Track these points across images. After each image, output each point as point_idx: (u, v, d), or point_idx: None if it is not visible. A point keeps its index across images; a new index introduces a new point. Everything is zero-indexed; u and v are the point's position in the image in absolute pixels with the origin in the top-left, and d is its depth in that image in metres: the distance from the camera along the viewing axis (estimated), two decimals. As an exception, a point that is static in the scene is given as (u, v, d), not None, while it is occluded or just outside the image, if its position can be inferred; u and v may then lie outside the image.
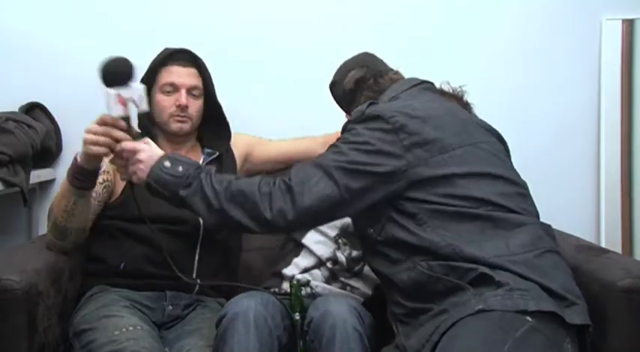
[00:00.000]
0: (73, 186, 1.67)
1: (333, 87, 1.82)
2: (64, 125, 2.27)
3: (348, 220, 1.84)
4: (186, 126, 1.91)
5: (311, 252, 1.88)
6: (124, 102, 1.51)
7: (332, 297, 1.67)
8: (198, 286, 1.79)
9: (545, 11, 2.32)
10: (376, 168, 1.47)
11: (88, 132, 1.57)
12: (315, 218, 1.52)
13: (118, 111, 1.51)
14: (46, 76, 2.27)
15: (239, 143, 2.07)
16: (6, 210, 1.85)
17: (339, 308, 1.56)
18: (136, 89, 1.52)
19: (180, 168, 1.50)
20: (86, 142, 1.57)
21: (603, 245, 2.22)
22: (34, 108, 2.22)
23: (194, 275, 1.82)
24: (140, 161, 1.52)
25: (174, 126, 1.91)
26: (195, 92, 1.94)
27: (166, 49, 1.97)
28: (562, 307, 1.37)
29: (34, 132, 2.07)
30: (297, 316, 1.60)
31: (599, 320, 1.48)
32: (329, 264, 1.85)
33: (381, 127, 1.50)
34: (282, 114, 2.29)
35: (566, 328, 1.36)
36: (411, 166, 1.47)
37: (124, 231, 1.83)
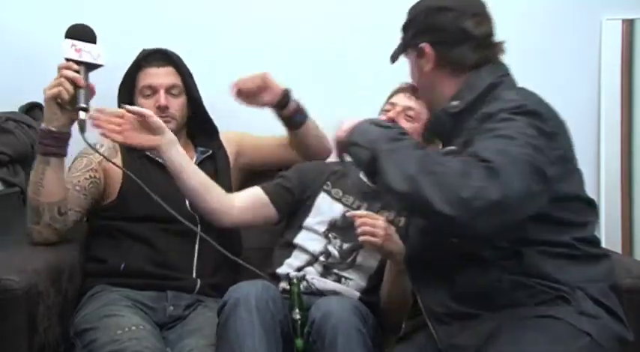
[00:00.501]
0: (40, 154, 1.68)
1: (439, 12, 1.50)
2: (64, 125, 2.27)
3: (335, 215, 1.87)
4: (171, 126, 1.89)
5: (303, 251, 1.87)
6: (78, 51, 1.65)
7: (334, 297, 1.67)
8: (198, 286, 1.79)
9: (545, 11, 2.32)
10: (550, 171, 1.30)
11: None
12: (514, 210, 1.25)
13: (70, 54, 1.65)
14: (46, 76, 2.25)
15: (230, 140, 2.07)
16: (6, 210, 1.85)
17: (341, 309, 1.56)
18: (93, 46, 1.68)
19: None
20: (45, 91, 1.65)
21: (603, 245, 2.21)
22: (34, 108, 2.21)
23: (193, 275, 1.82)
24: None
25: None
26: (174, 91, 1.94)
27: (142, 51, 1.98)
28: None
29: (34, 132, 2.07)
30: (296, 315, 1.60)
31: (600, 320, 1.48)
32: (322, 258, 1.84)
33: (542, 128, 1.34)
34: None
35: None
36: (553, 180, 1.31)
37: (122, 231, 1.84)
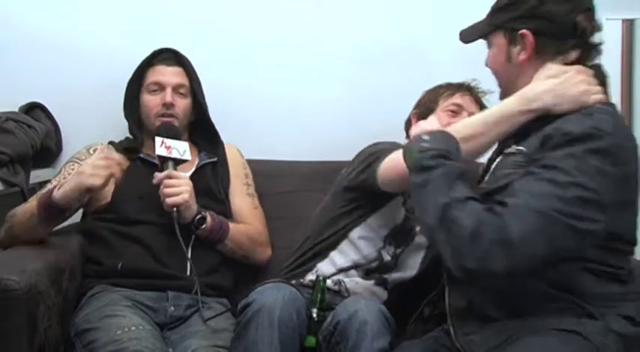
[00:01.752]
0: (40, 218, 1.70)
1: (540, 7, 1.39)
2: (64, 125, 2.27)
3: (398, 221, 1.82)
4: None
5: (354, 248, 1.82)
6: (168, 148, 1.83)
7: (362, 299, 1.63)
8: (196, 286, 1.79)
9: (545, 11, 2.32)
10: (587, 225, 1.23)
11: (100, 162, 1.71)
12: (527, 272, 1.25)
13: (161, 152, 1.82)
14: (46, 76, 2.27)
15: (235, 158, 2.08)
16: (6, 210, 1.85)
17: (368, 312, 1.53)
18: (180, 143, 1.85)
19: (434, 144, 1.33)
20: (94, 171, 1.68)
21: (603, 245, 2.21)
22: (34, 108, 2.21)
23: (188, 275, 1.82)
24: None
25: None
26: (181, 90, 1.96)
27: (154, 51, 1.99)
28: None
29: (34, 132, 2.07)
30: (314, 313, 1.59)
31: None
32: (373, 264, 1.82)
33: (605, 171, 1.25)
34: (281, 117, 2.31)
35: None
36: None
37: (116, 232, 1.85)
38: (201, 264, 1.82)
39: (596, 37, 1.41)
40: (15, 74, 2.26)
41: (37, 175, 2.12)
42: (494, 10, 1.46)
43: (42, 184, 2.21)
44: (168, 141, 1.83)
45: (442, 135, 1.38)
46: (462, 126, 1.46)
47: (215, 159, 2.02)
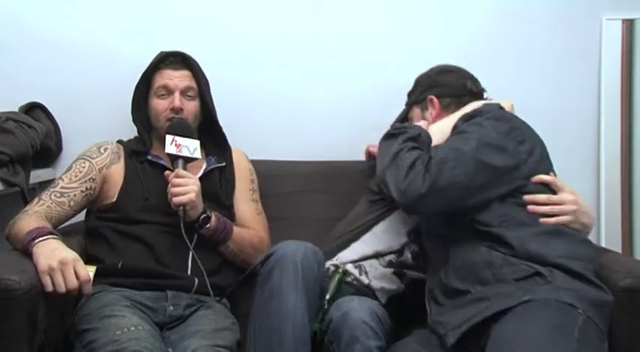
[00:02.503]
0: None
1: (444, 74, 1.90)
2: (64, 125, 2.26)
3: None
4: None
5: (376, 238, 1.87)
6: (178, 146, 1.84)
7: (356, 298, 1.65)
8: (196, 285, 1.79)
9: (545, 11, 2.33)
10: (499, 162, 1.57)
11: None
12: (445, 200, 1.55)
13: (171, 150, 1.84)
14: (46, 76, 2.27)
15: (241, 164, 2.08)
16: (6, 210, 1.85)
17: (360, 310, 1.55)
18: (191, 141, 1.86)
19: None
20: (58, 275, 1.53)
21: (603, 245, 2.21)
22: (34, 108, 2.21)
23: (189, 274, 1.82)
24: None
25: None
26: (190, 93, 1.97)
27: (160, 53, 1.99)
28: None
29: (34, 132, 2.07)
30: (325, 300, 1.62)
31: (600, 319, 1.48)
32: (394, 257, 1.86)
33: (504, 131, 1.62)
34: (282, 119, 2.31)
35: (602, 323, 1.43)
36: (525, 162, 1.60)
37: (119, 231, 1.85)
38: (202, 264, 1.82)
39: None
40: (15, 74, 2.26)
41: (37, 175, 2.12)
42: (408, 95, 1.97)
43: (42, 184, 2.22)
44: (179, 139, 1.84)
45: (421, 128, 1.74)
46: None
47: (224, 163, 2.03)
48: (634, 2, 2.32)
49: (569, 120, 2.34)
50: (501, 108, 1.75)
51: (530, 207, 1.60)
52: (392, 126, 1.80)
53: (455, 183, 1.52)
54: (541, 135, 2.31)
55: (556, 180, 1.67)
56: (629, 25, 2.31)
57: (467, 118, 1.69)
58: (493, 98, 1.88)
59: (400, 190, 1.53)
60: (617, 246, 2.25)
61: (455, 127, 1.69)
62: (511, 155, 1.59)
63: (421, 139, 1.67)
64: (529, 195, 1.60)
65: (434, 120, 1.83)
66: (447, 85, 1.86)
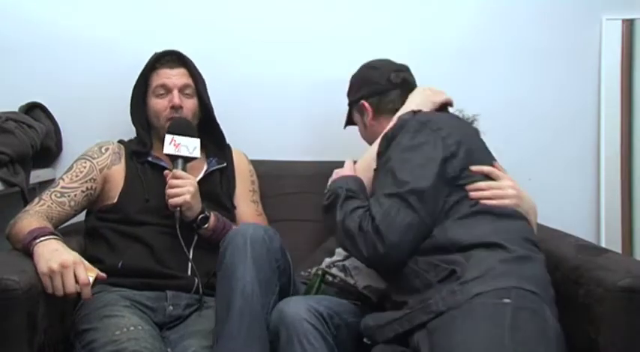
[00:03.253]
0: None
1: (371, 70, 1.90)
2: (64, 125, 2.27)
3: None
4: None
5: None
6: (177, 146, 1.83)
7: (294, 298, 1.65)
8: (196, 285, 1.79)
9: (545, 11, 2.33)
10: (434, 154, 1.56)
11: None
12: (410, 243, 1.53)
13: (169, 150, 1.83)
14: (47, 76, 2.27)
15: (241, 166, 2.08)
16: (6, 210, 1.85)
17: (295, 309, 1.55)
18: (190, 139, 1.85)
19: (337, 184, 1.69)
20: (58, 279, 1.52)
21: (603, 245, 2.22)
22: (34, 108, 2.21)
23: (189, 274, 1.82)
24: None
25: None
26: (187, 91, 1.97)
27: (155, 53, 2.00)
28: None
29: (34, 132, 2.07)
30: None
31: (599, 319, 1.48)
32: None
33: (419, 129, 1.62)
34: (284, 121, 2.31)
35: (539, 295, 1.43)
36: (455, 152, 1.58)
37: (119, 231, 1.85)
38: (202, 265, 1.82)
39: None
40: (15, 74, 2.26)
41: (37, 175, 2.12)
42: (347, 96, 1.98)
43: (42, 184, 2.22)
44: (178, 139, 1.84)
45: (346, 178, 1.72)
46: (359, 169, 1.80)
47: (224, 164, 2.03)
48: (634, 2, 2.32)
49: (569, 120, 2.34)
50: (416, 112, 1.71)
51: (473, 194, 1.57)
52: (325, 191, 1.75)
53: (408, 226, 1.51)
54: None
55: (493, 169, 1.64)
56: (629, 25, 2.31)
57: (388, 140, 1.66)
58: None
59: (364, 258, 1.55)
60: (617, 246, 2.25)
61: (379, 154, 1.68)
62: (433, 145, 1.58)
63: (354, 191, 1.66)
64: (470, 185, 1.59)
65: (371, 124, 1.87)
66: (372, 83, 1.87)
